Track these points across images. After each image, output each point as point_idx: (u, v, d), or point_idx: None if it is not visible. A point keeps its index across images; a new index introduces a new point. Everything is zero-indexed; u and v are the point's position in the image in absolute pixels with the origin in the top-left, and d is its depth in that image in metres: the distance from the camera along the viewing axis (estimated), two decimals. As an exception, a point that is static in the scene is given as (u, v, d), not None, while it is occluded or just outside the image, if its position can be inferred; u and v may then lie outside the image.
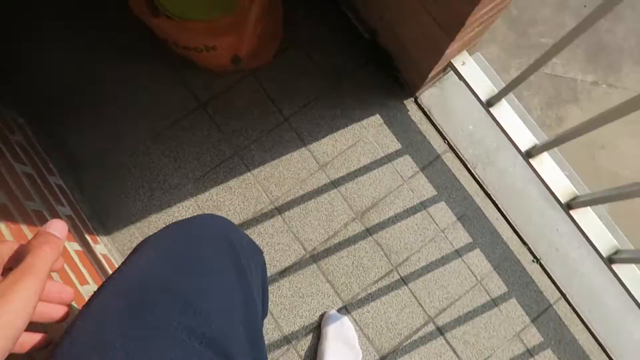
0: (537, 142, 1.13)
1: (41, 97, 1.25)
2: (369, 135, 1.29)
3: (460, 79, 1.19)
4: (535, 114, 1.95)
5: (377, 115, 1.30)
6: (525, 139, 1.14)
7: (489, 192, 1.27)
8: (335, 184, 1.25)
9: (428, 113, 1.30)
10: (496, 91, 1.14)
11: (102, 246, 1.14)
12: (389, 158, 1.28)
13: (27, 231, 0.81)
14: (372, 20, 1.24)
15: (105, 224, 1.19)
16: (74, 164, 1.22)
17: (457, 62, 1.17)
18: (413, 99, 1.31)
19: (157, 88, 1.27)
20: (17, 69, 1.26)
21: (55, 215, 0.99)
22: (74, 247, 0.98)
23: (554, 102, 1.91)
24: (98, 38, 1.29)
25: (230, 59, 1.16)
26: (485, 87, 1.16)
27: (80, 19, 1.30)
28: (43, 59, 1.27)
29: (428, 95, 1.31)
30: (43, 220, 0.91)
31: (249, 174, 1.25)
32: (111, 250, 1.16)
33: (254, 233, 1.22)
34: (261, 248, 1.22)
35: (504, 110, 1.15)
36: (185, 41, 1.08)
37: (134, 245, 0.59)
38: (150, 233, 0.57)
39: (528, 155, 1.14)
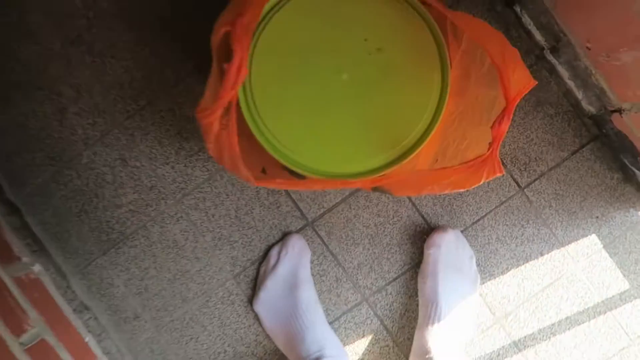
0: None
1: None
2: (578, 269, 0.80)
3: None
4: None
5: (593, 236, 0.80)
6: None
7: None
8: (519, 345, 0.81)
9: (679, 232, 0.79)
10: None
11: None
12: (608, 305, 0.80)
13: None
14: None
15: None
16: None
17: None
18: (655, 207, 0.80)
19: (259, 208, 0.80)
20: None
21: None
22: None
23: None
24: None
25: (372, 187, 0.67)
26: None
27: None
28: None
29: (682, 202, 0.79)
30: None
31: (385, 332, 0.81)
32: None
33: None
34: None
35: None
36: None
37: None
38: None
39: None
